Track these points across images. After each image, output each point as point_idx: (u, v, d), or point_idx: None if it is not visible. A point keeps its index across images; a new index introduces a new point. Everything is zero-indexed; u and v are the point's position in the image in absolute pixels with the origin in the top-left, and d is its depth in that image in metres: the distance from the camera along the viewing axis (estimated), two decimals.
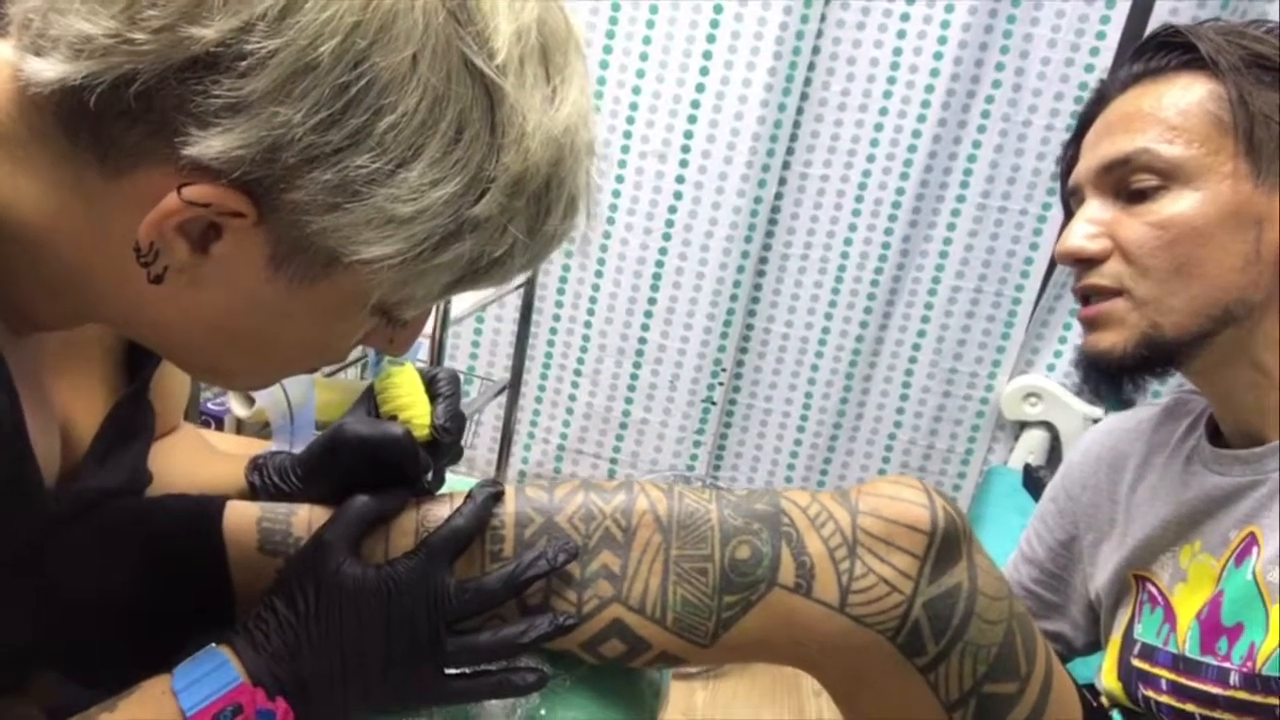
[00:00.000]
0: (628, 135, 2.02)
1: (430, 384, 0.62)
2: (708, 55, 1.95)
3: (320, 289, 0.43)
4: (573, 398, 2.21)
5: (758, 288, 2.11)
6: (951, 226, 2.02)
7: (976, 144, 1.97)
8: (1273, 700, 0.64)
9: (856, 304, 2.06)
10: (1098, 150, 0.73)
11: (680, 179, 2.02)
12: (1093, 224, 0.72)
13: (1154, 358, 0.71)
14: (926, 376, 2.11)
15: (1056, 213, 1.97)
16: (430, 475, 0.60)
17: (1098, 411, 2.01)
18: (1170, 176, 0.69)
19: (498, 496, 0.56)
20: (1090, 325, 0.74)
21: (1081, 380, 0.77)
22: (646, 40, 1.96)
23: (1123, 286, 0.71)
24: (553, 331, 2.18)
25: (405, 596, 0.50)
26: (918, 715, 0.56)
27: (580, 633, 0.55)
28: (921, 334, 2.09)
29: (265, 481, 0.65)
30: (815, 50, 1.95)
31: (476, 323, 2.20)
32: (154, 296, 0.42)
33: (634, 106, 2.00)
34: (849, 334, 2.08)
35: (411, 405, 0.60)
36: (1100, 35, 1.87)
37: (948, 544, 0.54)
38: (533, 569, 0.53)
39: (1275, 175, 0.68)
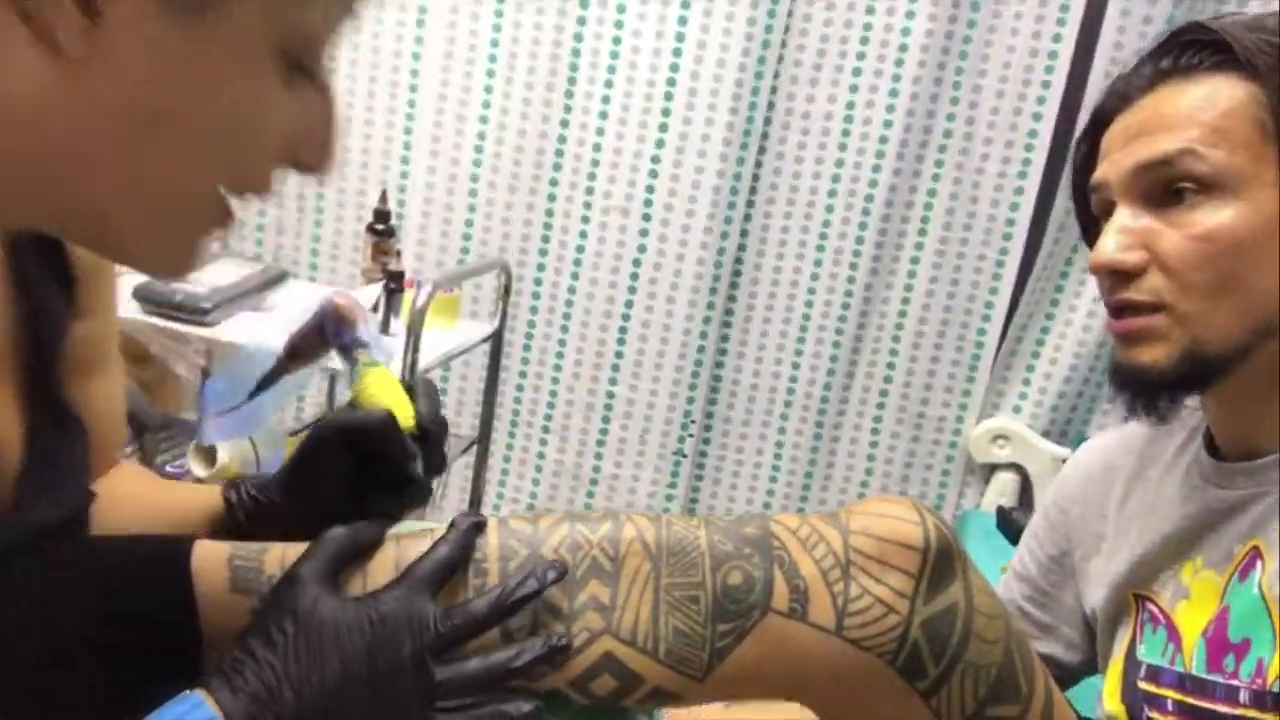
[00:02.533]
0: (590, 191, 2.04)
1: (407, 389, 0.61)
2: (666, 112, 1.98)
3: (219, 31, 0.40)
4: (541, 454, 2.18)
5: (724, 339, 2.12)
6: (912, 273, 2.05)
7: (932, 191, 2.01)
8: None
9: (823, 352, 2.07)
10: (1132, 151, 0.68)
11: (644, 233, 2.04)
12: (1128, 234, 0.68)
13: (1195, 374, 0.67)
14: (895, 422, 2.12)
15: (1015, 254, 2.00)
16: (420, 468, 0.58)
17: (1066, 451, 2.03)
18: (1211, 184, 0.65)
19: (480, 526, 0.54)
20: (1127, 340, 0.69)
21: (1115, 395, 0.73)
22: (606, 99, 1.99)
23: (1163, 301, 0.67)
24: (519, 389, 2.16)
25: (388, 627, 0.48)
26: None
27: (570, 669, 0.52)
28: (888, 379, 2.10)
29: (242, 497, 0.63)
30: (771, 105, 1.99)
31: (443, 381, 2.18)
32: (53, 93, 0.39)
33: (595, 163, 2.02)
34: (817, 382, 2.09)
35: (391, 402, 0.58)
36: (1045, 84, 1.93)
37: (941, 561, 0.53)
38: (521, 589, 0.51)
39: None
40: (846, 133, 1.99)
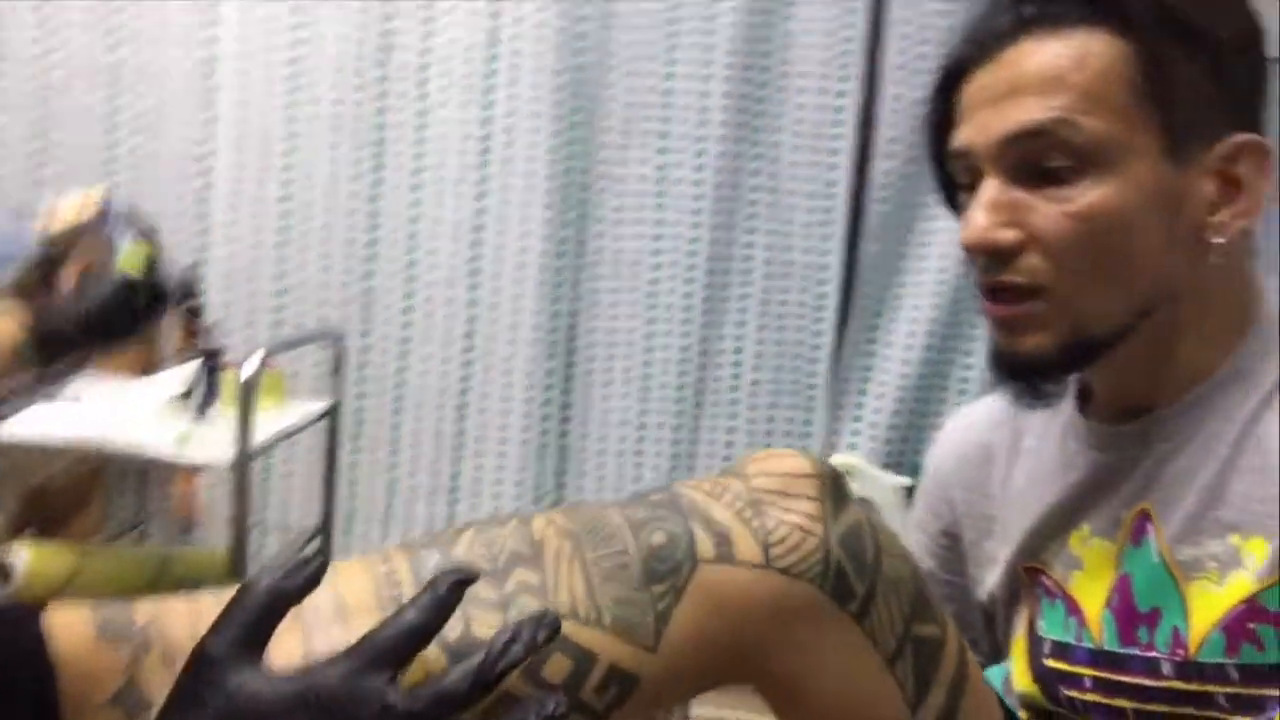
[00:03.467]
0: (411, 265, 1.95)
1: None
2: (483, 179, 1.96)
3: None
4: (387, 545, 1.99)
5: (567, 406, 2.05)
6: (741, 323, 2.09)
7: (749, 244, 2.08)
8: (1212, 687, 0.60)
9: (668, 409, 2.06)
10: (999, 115, 0.61)
11: (473, 302, 1.97)
12: (1000, 209, 0.61)
13: (1080, 358, 0.64)
14: None
15: (832, 296, 2.09)
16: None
17: (906, 479, 2.08)
18: (1088, 157, 0.59)
19: (464, 584, 0.44)
20: (1005, 327, 0.64)
21: (997, 383, 0.67)
22: (417, 171, 1.94)
23: (1042, 284, 0.61)
24: (353, 482, 1.98)
25: (336, 714, 0.39)
26: (865, 684, 0.54)
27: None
28: (731, 430, 2.10)
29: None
30: (586, 169, 2.01)
31: (265, 474, 1.95)
32: None
33: (413, 235, 1.95)
34: (664, 439, 2.06)
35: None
36: (836, 136, 2.07)
37: (836, 485, 0.55)
38: (507, 656, 0.42)
39: (1190, 151, 0.60)
40: (662, 193, 2.04)
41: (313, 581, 0.42)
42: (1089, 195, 0.59)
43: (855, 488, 2.12)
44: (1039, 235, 0.61)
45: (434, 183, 1.95)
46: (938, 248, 2.09)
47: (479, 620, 0.48)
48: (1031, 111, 0.60)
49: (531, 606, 0.48)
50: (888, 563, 0.54)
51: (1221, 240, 0.60)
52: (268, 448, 1.55)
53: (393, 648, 0.41)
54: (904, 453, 2.16)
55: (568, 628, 0.48)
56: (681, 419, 2.06)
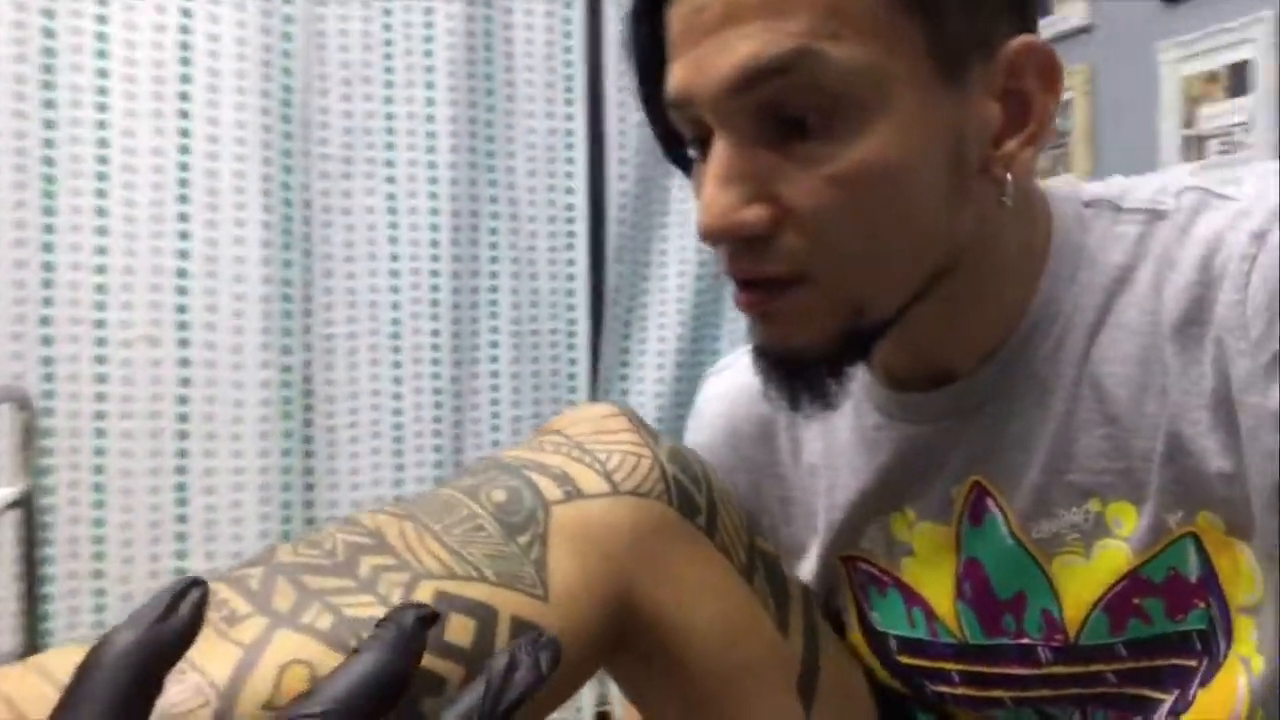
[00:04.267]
0: (100, 324, 1.60)
1: None
2: (184, 217, 1.66)
3: None
4: None
5: (310, 472, 1.78)
6: (494, 358, 1.95)
7: (494, 274, 1.96)
8: (1098, 667, 0.54)
9: (425, 459, 1.86)
10: (721, 50, 0.45)
11: (185, 361, 1.65)
12: (741, 180, 0.46)
13: (866, 344, 0.51)
14: None
15: (583, 322, 2.02)
16: None
17: None
18: (844, 98, 0.45)
19: (430, 620, 0.30)
20: (766, 318, 0.51)
21: (766, 382, 0.53)
22: (101, 211, 1.61)
23: (805, 272, 0.48)
24: (46, 599, 1.56)
25: None
26: (733, 603, 0.53)
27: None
28: None
29: None
30: (307, 203, 1.79)
31: None
32: None
33: (101, 287, 1.60)
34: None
35: None
36: (569, 160, 2.02)
37: (639, 419, 0.56)
38: (511, 689, 0.28)
39: (966, 67, 0.47)
40: (395, 225, 1.86)
41: (194, 622, 0.26)
42: (852, 151, 0.45)
43: None
44: (794, 210, 0.46)
45: (122, 224, 1.62)
46: (673, 263, 2.11)
47: (349, 605, 0.42)
48: (756, 45, 0.44)
49: (398, 583, 0.43)
50: (713, 478, 0.55)
51: (1012, 176, 0.49)
52: None
53: (359, 706, 0.26)
54: None
55: (452, 586, 0.44)
56: (440, 469, 1.87)
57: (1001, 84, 0.48)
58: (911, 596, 0.60)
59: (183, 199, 1.66)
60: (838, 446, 0.62)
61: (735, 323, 2.16)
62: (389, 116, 1.86)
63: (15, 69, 1.51)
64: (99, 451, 1.58)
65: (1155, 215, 0.52)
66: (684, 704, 0.54)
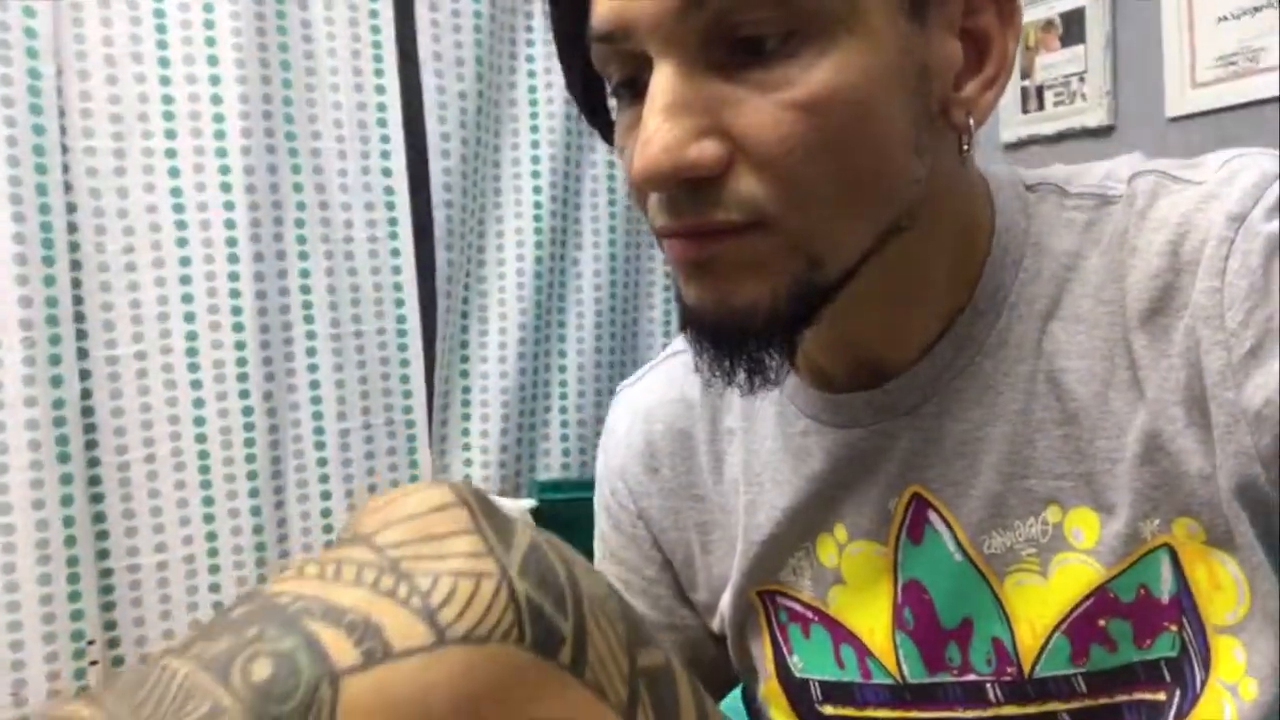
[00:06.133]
0: None
1: None
2: None
3: None
4: None
5: (100, 517, 1.56)
6: (314, 367, 1.76)
7: (305, 272, 1.75)
8: (1053, 705, 0.49)
9: (240, 507, 1.65)
10: None
11: None
12: (690, 112, 0.42)
13: (813, 306, 0.45)
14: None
15: (414, 319, 1.85)
16: None
17: (530, 502, 1.92)
18: (808, 17, 0.41)
19: None
20: (707, 274, 0.45)
21: (697, 354, 0.47)
22: None
23: (761, 218, 0.43)
24: None
25: None
26: None
27: None
28: (326, 495, 1.76)
29: None
30: (71, 207, 1.53)
31: None
32: None
33: None
34: (243, 544, 1.66)
35: None
36: (385, 139, 1.82)
37: (487, 508, 0.40)
38: None
39: (926, 5, 0.44)
40: (183, 224, 1.62)
41: None
42: (815, 74, 0.41)
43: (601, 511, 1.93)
44: (750, 143, 0.42)
45: None
46: (510, 244, 1.94)
47: None
48: None
49: None
50: (584, 582, 0.40)
51: (971, 121, 0.46)
52: None
53: None
54: (519, 473, 1.99)
55: None
56: (257, 499, 1.66)
57: (959, 21, 0.45)
58: (840, 633, 0.53)
59: None
60: (760, 459, 0.56)
61: (581, 306, 2.02)
62: (166, 100, 1.61)
63: None
64: None
65: (1104, 200, 0.49)
66: None
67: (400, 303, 1.84)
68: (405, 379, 1.85)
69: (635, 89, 0.44)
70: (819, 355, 0.53)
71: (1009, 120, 1.76)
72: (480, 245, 1.95)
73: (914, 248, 0.47)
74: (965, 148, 0.47)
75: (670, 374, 0.63)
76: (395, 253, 1.83)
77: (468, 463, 1.93)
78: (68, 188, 1.53)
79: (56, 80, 1.51)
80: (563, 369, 2.02)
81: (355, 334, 1.79)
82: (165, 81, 1.61)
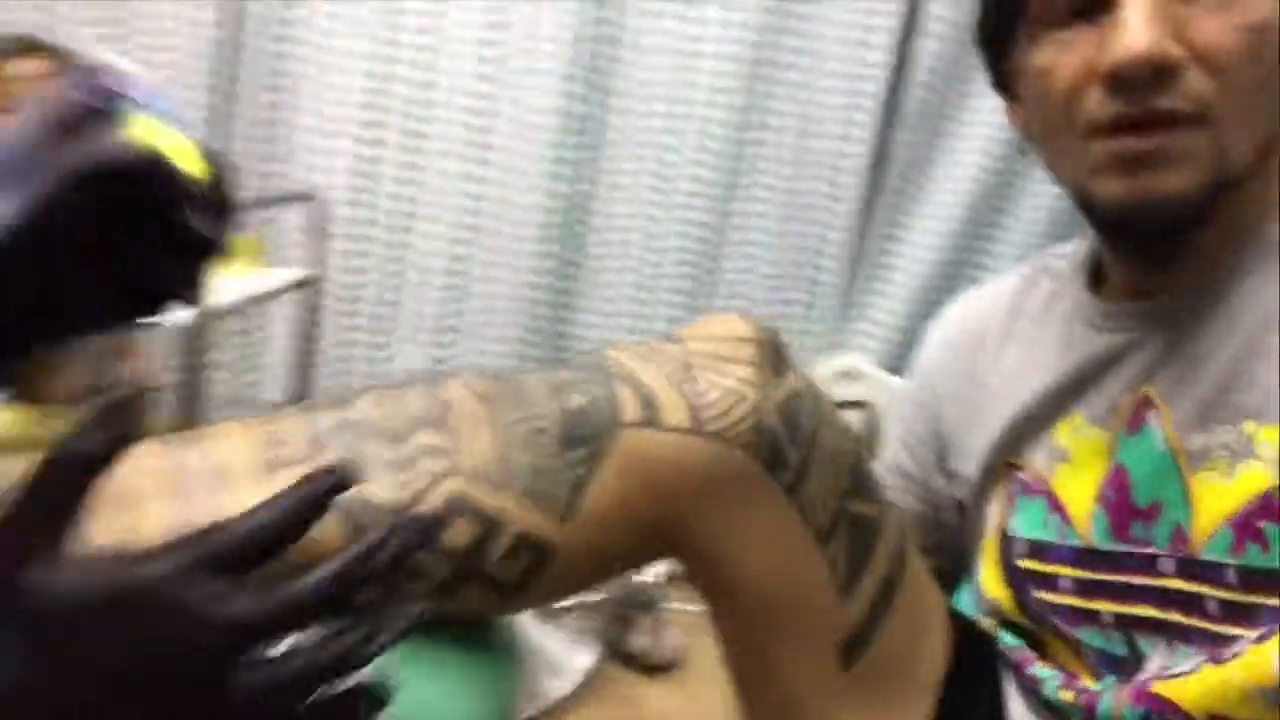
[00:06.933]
0: (420, 135, 1.82)
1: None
2: (494, 43, 1.79)
3: None
4: None
5: (568, 292, 1.97)
6: (762, 214, 1.98)
7: (778, 127, 1.95)
8: (1205, 589, 0.55)
9: (674, 299, 1.98)
10: None
11: (480, 179, 1.85)
12: (1161, 21, 0.52)
13: (1213, 202, 0.55)
14: None
15: (854, 190, 1.98)
16: (203, 225, 0.42)
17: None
18: None
19: (340, 488, 0.37)
20: (1145, 163, 0.54)
21: (1111, 241, 0.61)
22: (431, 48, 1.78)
23: (1204, 112, 0.53)
24: (339, 359, 1.91)
25: (153, 622, 0.33)
26: (791, 560, 0.52)
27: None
28: None
29: None
30: (612, 39, 1.84)
31: (244, 344, 1.88)
32: None
33: (425, 103, 1.81)
34: (666, 329, 1.99)
35: (167, 146, 0.41)
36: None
37: (775, 352, 0.53)
38: (373, 559, 0.36)
39: None
40: (689, 67, 1.88)
41: (117, 442, 0.34)
42: (1259, 3, 0.53)
43: (858, 390, 2.07)
44: (1206, 51, 0.53)
45: (447, 46, 1.79)
46: (978, 140, 1.96)
47: (376, 480, 0.46)
48: None
49: (435, 466, 0.46)
50: (826, 434, 0.52)
51: None
52: (232, 312, 1.45)
53: (231, 550, 0.34)
54: (913, 357, 2.10)
55: (475, 491, 0.46)
56: (685, 309, 1.98)
57: None
58: (1054, 503, 0.64)
59: (498, 24, 1.78)
60: (1035, 354, 0.67)
61: (1017, 227, 2.00)
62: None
63: None
64: (400, 246, 1.85)
65: None
66: (730, 635, 0.57)
67: (844, 170, 1.97)
68: (824, 240, 2.01)
69: (1088, 13, 0.55)
70: (1117, 273, 0.64)
71: None
72: (940, 132, 1.98)
73: (1254, 184, 0.56)
74: None
75: (1000, 284, 0.76)
76: (855, 125, 1.95)
77: (864, 331, 2.08)
78: (612, 23, 1.83)
79: None
80: (991, 269, 2.02)
81: (800, 190, 1.98)
82: None
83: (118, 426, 0.34)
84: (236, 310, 1.49)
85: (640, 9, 1.84)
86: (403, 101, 1.81)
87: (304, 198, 1.72)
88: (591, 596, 1.93)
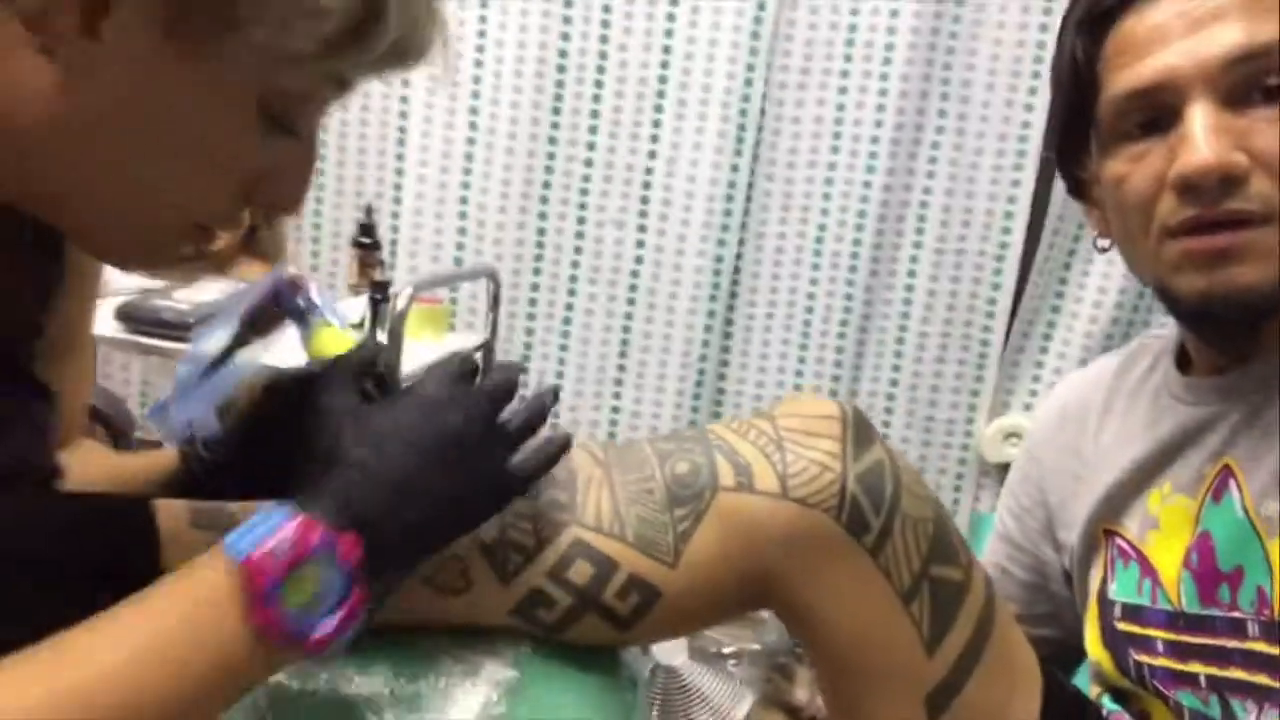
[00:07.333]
0: (583, 205, 2.02)
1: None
2: (657, 123, 1.97)
3: (209, 70, 0.43)
4: None
5: (726, 350, 2.09)
6: (912, 273, 2.02)
7: (927, 189, 1.99)
8: None
9: (826, 358, 2.04)
10: (1210, 40, 0.60)
11: (640, 244, 2.02)
12: (1225, 134, 0.59)
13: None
14: (904, 427, 2.07)
15: (1015, 247, 1.97)
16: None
17: None
18: None
19: (470, 375, 0.52)
20: (1220, 260, 0.60)
21: (1194, 331, 0.67)
22: (594, 113, 1.99)
23: (1271, 210, 0.58)
24: None
25: (457, 417, 0.48)
26: (878, 617, 0.57)
27: (544, 560, 0.55)
28: (894, 383, 2.06)
29: (199, 453, 0.59)
30: (762, 111, 1.98)
31: None
32: (44, 92, 0.42)
33: (587, 178, 2.01)
34: (822, 389, 2.05)
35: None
36: (1035, 75, 1.92)
37: (860, 428, 0.58)
38: (541, 398, 0.53)
39: None
40: (838, 134, 1.97)
41: (540, 416, 0.52)
42: None
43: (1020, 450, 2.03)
44: (1267, 158, 0.58)
45: (608, 125, 1.99)
46: None
47: (513, 527, 0.55)
48: (1254, 33, 0.59)
49: (561, 517, 0.56)
50: (908, 501, 0.57)
51: None
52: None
53: (493, 393, 0.50)
54: None
55: (592, 537, 0.55)
56: (840, 368, 2.04)
57: None
58: (1147, 568, 0.69)
59: (658, 107, 1.96)
60: (1129, 428, 0.74)
61: None
62: (851, 29, 1.94)
63: None
64: (568, 308, 2.04)
65: None
66: (825, 684, 0.62)
67: (1007, 230, 1.98)
68: (992, 300, 2.01)
69: (1157, 128, 0.62)
70: (1195, 349, 0.69)
71: None
72: None
73: None
74: None
75: (1096, 366, 0.82)
76: (1015, 183, 1.96)
77: (1032, 392, 2.04)
78: (763, 96, 1.97)
79: (775, 10, 1.92)
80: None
81: (957, 251, 2.00)
82: (854, 12, 1.93)
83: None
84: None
85: (784, 82, 1.96)
86: (563, 182, 2.02)
87: (479, 273, 1.97)
88: (752, 646, 2.00)
